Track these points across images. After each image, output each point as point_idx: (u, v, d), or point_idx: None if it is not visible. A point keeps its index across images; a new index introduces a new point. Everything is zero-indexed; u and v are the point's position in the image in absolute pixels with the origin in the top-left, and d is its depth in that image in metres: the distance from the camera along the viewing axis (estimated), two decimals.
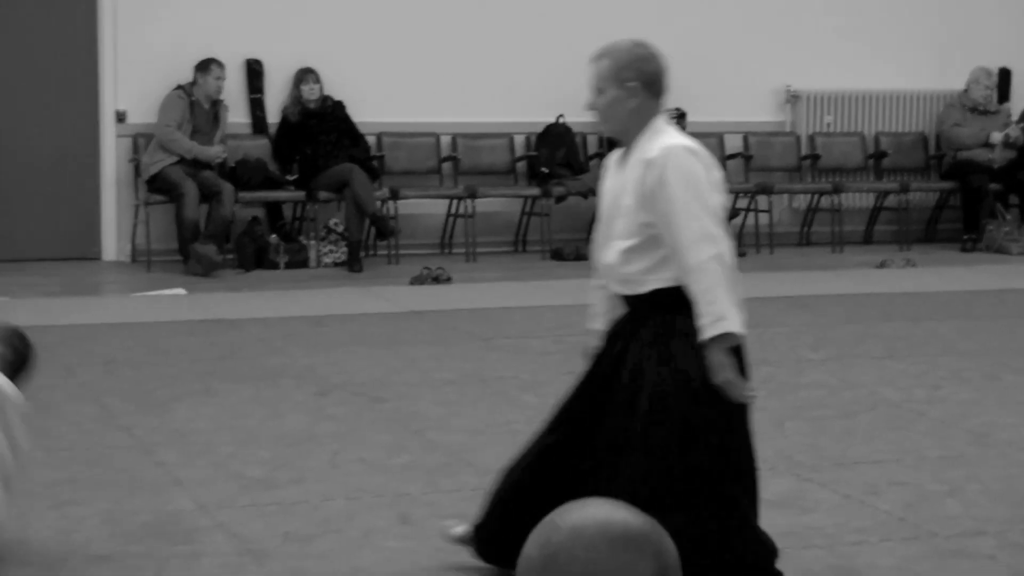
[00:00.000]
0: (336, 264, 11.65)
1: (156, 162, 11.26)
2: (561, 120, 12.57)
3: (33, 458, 6.08)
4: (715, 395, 4.30)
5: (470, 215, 12.02)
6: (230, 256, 11.37)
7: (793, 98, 13.37)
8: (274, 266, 11.43)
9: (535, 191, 12.33)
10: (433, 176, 12.47)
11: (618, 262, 4.44)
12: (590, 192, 12.40)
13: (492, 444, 6.43)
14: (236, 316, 9.33)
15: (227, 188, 11.17)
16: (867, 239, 13.49)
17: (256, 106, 12.05)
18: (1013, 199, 13.52)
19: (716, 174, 4.40)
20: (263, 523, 5.33)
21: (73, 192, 11.72)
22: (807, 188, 13.25)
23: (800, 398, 7.28)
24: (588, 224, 12.74)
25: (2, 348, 5.03)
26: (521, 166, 12.69)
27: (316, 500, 5.61)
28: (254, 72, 12.02)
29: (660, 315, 4.38)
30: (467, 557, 5.02)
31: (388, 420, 6.83)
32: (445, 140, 12.50)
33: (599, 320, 4.64)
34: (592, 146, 12.82)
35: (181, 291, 10.27)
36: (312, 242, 11.67)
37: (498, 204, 12.49)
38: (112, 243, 11.79)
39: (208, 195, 11.14)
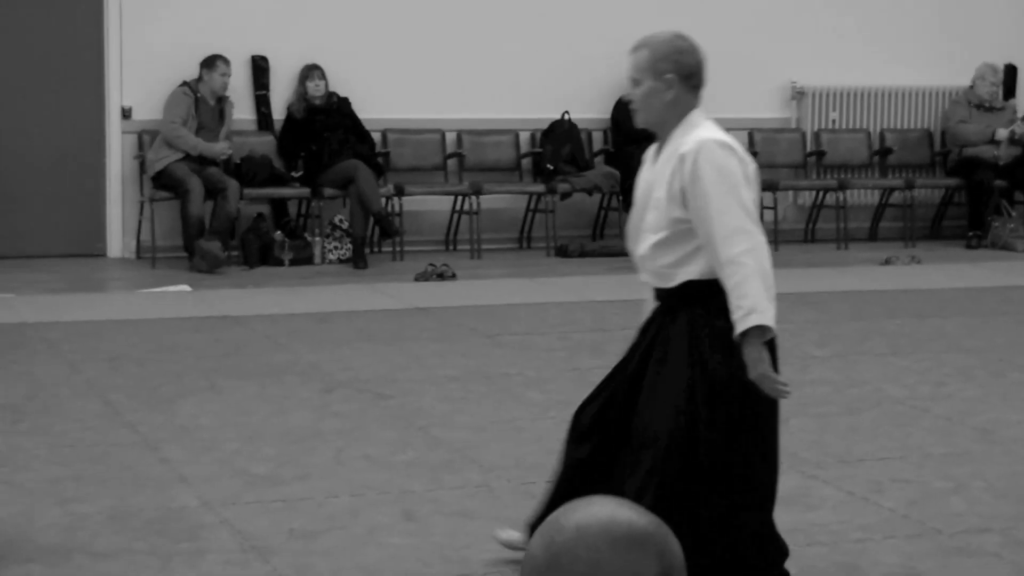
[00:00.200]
0: (341, 261, 11.65)
1: (161, 158, 11.26)
2: (566, 117, 12.56)
3: (37, 455, 6.09)
4: (742, 392, 4.27)
5: (475, 212, 12.02)
6: (235, 253, 11.37)
7: (798, 94, 13.36)
8: (279, 263, 11.43)
9: (540, 188, 12.32)
10: (438, 173, 12.46)
11: (649, 255, 4.43)
12: (595, 189, 12.40)
13: (496, 441, 6.44)
14: (241, 313, 9.33)
15: (232, 185, 11.17)
16: (872, 236, 13.48)
17: (261, 103, 12.06)
18: (1019, 196, 13.49)
19: (751, 168, 4.36)
20: (268, 520, 5.34)
21: (78, 189, 11.72)
22: (812, 185, 13.24)
23: (805, 395, 7.27)
24: (593, 221, 12.76)
25: None
26: (526, 163, 12.68)
27: (321, 497, 5.62)
28: (260, 69, 12.02)
29: (690, 309, 4.36)
30: (470, 553, 5.03)
31: (393, 417, 6.84)
32: (450, 137, 12.50)
33: (645, 313, 4.63)
34: (597, 143, 12.81)
35: (186, 288, 10.27)
36: (317, 239, 11.67)
37: (503, 201, 12.49)
38: (117, 240, 11.79)
39: (213, 192, 11.14)
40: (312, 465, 6.04)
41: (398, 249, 11.78)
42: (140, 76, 11.64)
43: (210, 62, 11.45)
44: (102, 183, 11.75)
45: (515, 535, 4.92)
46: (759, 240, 4.26)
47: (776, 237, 12.74)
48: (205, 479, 5.82)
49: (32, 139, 11.60)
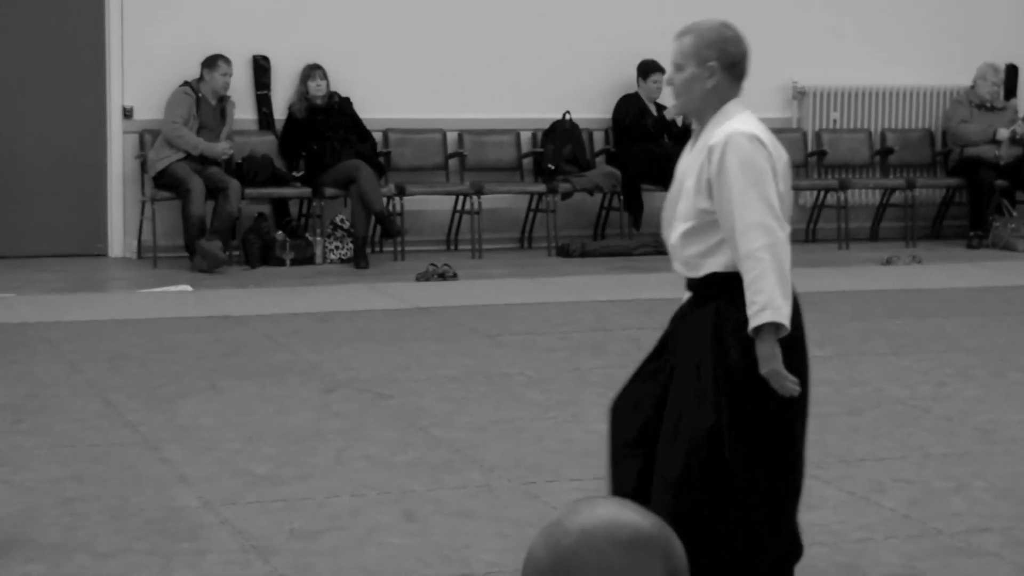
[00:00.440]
0: (342, 260, 11.65)
1: (163, 158, 11.26)
2: (567, 116, 12.56)
3: (38, 454, 6.10)
4: (761, 386, 4.27)
5: (476, 211, 12.02)
6: (236, 252, 11.38)
7: (799, 94, 13.36)
8: (280, 262, 11.43)
9: (541, 187, 12.32)
10: (439, 172, 12.46)
11: (679, 244, 4.43)
12: (596, 189, 12.40)
13: (497, 441, 6.44)
14: (242, 313, 9.33)
15: (233, 184, 11.17)
16: (873, 236, 13.48)
17: (263, 102, 12.06)
18: (1020, 195, 13.49)
19: (781, 162, 4.34)
20: (268, 519, 5.34)
21: (80, 188, 11.72)
22: (813, 184, 13.24)
23: None
24: (594, 221, 12.75)
25: None
26: (527, 162, 12.68)
27: (321, 497, 5.62)
28: (261, 68, 12.03)
29: (716, 300, 4.35)
30: (471, 553, 5.03)
31: (393, 417, 6.84)
32: (451, 136, 12.50)
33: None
34: (598, 142, 12.81)
35: (187, 287, 10.28)
36: (318, 238, 11.67)
37: (504, 200, 12.49)
38: (118, 239, 11.80)
39: (214, 191, 11.14)
40: (313, 465, 6.04)
41: (399, 249, 11.78)
42: (141, 76, 11.64)
43: (211, 62, 11.45)
44: (103, 183, 11.75)
45: None
46: (779, 237, 4.24)
47: None
48: (206, 479, 5.82)
49: (33, 139, 11.60)
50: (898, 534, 5.28)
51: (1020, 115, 13.59)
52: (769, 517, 4.41)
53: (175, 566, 4.89)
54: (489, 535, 5.19)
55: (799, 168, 13.33)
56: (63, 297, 9.91)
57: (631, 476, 4.51)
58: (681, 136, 12.56)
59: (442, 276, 10.82)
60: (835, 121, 13.49)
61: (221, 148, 11.37)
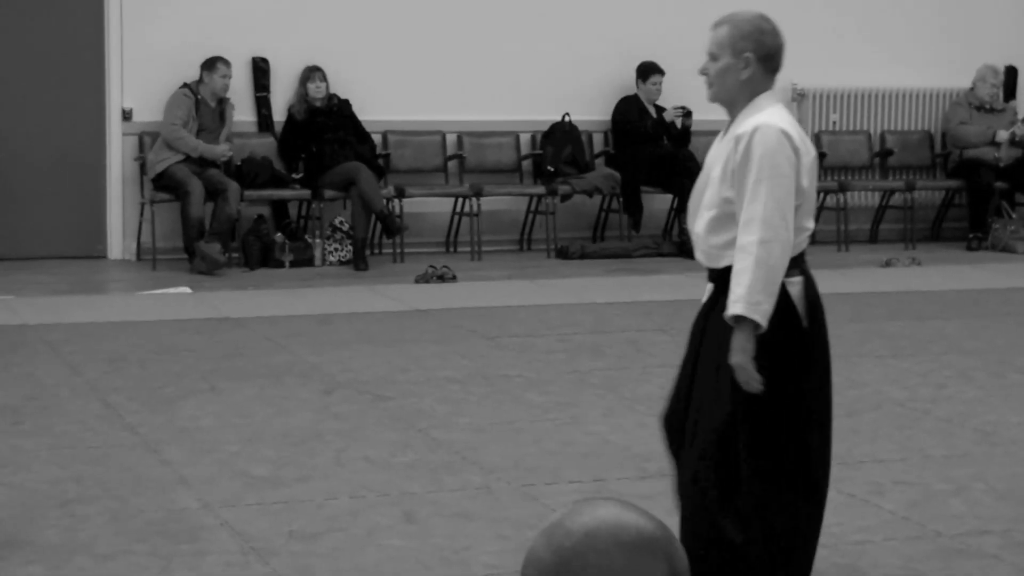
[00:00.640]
0: (341, 262, 11.66)
1: (162, 160, 11.27)
2: (567, 118, 12.57)
3: (38, 456, 6.10)
4: (774, 389, 4.28)
5: (475, 213, 12.02)
6: (235, 254, 11.38)
7: (799, 96, 13.36)
8: (279, 264, 11.43)
9: (540, 189, 12.32)
10: (439, 174, 12.47)
11: (702, 233, 4.43)
12: (595, 190, 12.40)
13: (496, 442, 6.44)
14: (241, 314, 9.33)
15: (233, 186, 11.17)
16: (873, 238, 13.48)
17: (262, 104, 12.06)
18: (1019, 197, 13.49)
19: (809, 158, 4.34)
20: (268, 521, 5.34)
21: (79, 190, 11.72)
22: None
23: None
24: (593, 223, 12.76)
25: None
26: (527, 164, 12.69)
27: (321, 498, 5.62)
28: (260, 70, 12.03)
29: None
30: (470, 555, 5.03)
31: (393, 418, 6.84)
32: (451, 138, 12.50)
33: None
34: (598, 144, 12.82)
35: (186, 290, 10.28)
36: (317, 240, 11.67)
37: (503, 202, 12.49)
38: (118, 241, 11.80)
39: (214, 193, 11.14)
40: (312, 466, 6.04)
41: (398, 251, 11.78)
42: (141, 78, 11.65)
43: (211, 64, 11.46)
44: (103, 185, 11.75)
45: None
46: (779, 235, 4.23)
47: None
48: (205, 480, 5.82)
49: (33, 140, 11.60)
50: (897, 536, 5.28)
51: (1020, 117, 13.59)
52: (783, 524, 4.39)
53: (175, 567, 4.89)
54: (488, 537, 5.20)
55: None
56: (63, 299, 9.91)
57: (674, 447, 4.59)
58: (680, 138, 12.57)
59: (441, 278, 10.82)
60: (835, 123, 13.50)
61: (220, 150, 11.37)
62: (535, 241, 12.56)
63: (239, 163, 11.61)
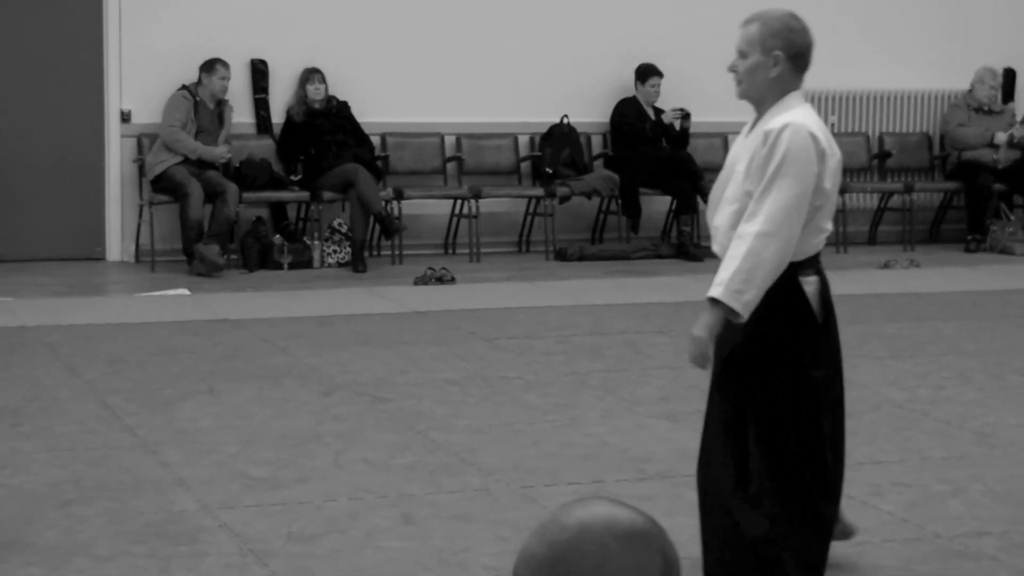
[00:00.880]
0: (340, 264, 11.66)
1: (160, 162, 11.27)
2: (565, 120, 12.57)
3: (37, 457, 6.10)
4: (789, 372, 4.32)
5: (474, 215, 12.02)
6: (234, 256, 11.38)
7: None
8: (278, 266, 11.43)
9: (539, 191, 12.32)
10: (437, 176, 12.47)
11: (723, 226, 4.46)
12: (594, 192, 12.41)
13: (495, 444, 6.44)
14: (240, 316, 9.33)
15: (231, 188, 11.17)
16: (871, 239, 13.49)
17: (261, 106, 12.06)
18: (1018, 199, 13.51)
19: (833, 161, 4.37)
20: (267, 523, 5.34)
21: (78, 192, 11.73)
22: None
23: None
24: (592, 225, 12.76)
25: None
26: (525, 166, 12.69)
27: (320, 500, 5.62)
28: (259, 72, 12.03)
29: None
30: (469, 557, 5.03)
31: (392, 420, 6.84)
32: (449, 140, 12.51)
33: None
34: (596, 146, 12.82)
35: (185, 291, 10.27)
36: (316, 242, 11.67)
37: (502, 204, 12.49)
38: (116, 243, 11.80)
39: (212, 195, 11.14)
40: (311, 468, 6.04)
41: (397, 253, 11.78)
42: (139, 79, 11.65)
43: (209, 66, 11.46)
44: (101, 186, 11.75)
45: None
46: (780, 232, 4.25)
47: None
48: (204, 482, 5.82)
49: (31, 142, 11.60)
50: (896, 537, 5.28)
51: (1018, 119, 13.59)
52: (796, 517, 4.41)
53: (173, 569, 4.89)
54: (487, 538, 5.20)
55: None
56: (61, 300, 9.91)
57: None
58: (679, 140, 12.57)
59: (440, 280, 10.83)
60: (833, 124, 13.49)
61: (219, 152, 11.37)
62: (534, 243, 12.56)
63: (238, 165, 11.61)
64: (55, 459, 6.11)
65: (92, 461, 6.09)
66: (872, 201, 13.52)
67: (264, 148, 11.92)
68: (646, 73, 12.59)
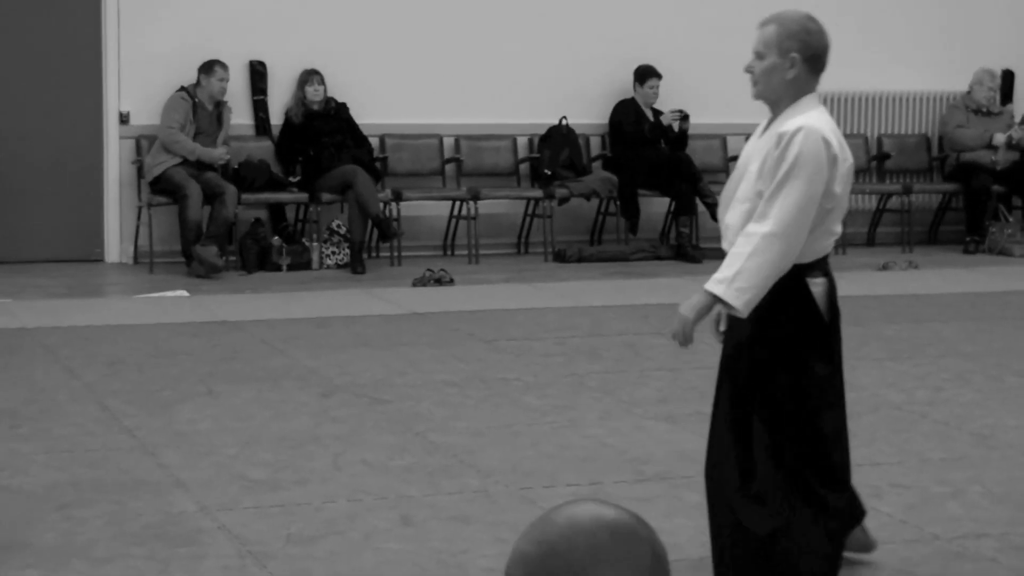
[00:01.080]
0: (339, 266, 11.66)
1: (159, 164, 11.26)
2: (564, 122, 12.57)
3: (35, 459, 6.09)
4: (793, 371, 4.34)
5: (473, 217, 12.02)
6: (233, 258, 11.38)
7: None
8: (277, 268, 11.43)
9: (538, 193, 12.32)
10: (436, 178, 12.47)
11: (734, 225, 4.48)
12: (593, 194, 12.41)
13: (494, 446, 6.44)
14: (239, 318, 9.33)
15: (230, 189, 11.17)
16: (870, 241, 13.49)
17: (259, 108, 12.06)
18: (1016, 201, 13.51)
19: (846, 165, 4.40)
20: (265, 525, 5.34)
21: (76, 194, 11.72)
22: None
23: None
24: (591, 226, 12.76)
25: None
26: (524, 168, 12.69)
27: (318, 502, 5.62)
28: (257, 73, 12.03)
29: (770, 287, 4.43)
30: (468, 558, 5.03)
31: (390, 421, 6.84)
32: (448, 142, 12.51)
33: None
34: (595, 148, 12.82)
35: (184, 293, 10.27)
36: (315, 244, 11.67)
37: (501, 206, 12.49)
38: (115, 245, 11.80)
39: (211, 196, 11.14)
40: (310, 470, 6.04)
41: (396, 254, 11.78)
42: (138, 81, 11.65)
43: (208, 67, 11.45)
44: (100, 188, 11.75)
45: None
46: (787, 234, 4.28)
47: None
48: (203, 484, 5.82)
49: (30, 144, 11.60)
50: (895, 539, 5.28)
51: (1016, 120, 13.60)
52: (802, 513, 4.43)
53: (172, 571, 4.89)
54: (486, 540, 5.20)
55: None
56: (60, 302, 9.91)
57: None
58: (678, 141, 12.57)
59: (439, 281, 10.82)
60: None
61: (218, 153, 11.37)
62: (532, 244, 12.56)
63: (236, 166, 11.61)
64: (54, 461, 6.11)
65: (91, 463, 6.09)
66: (871, 202, 13.52)
67: (263, 149, 11.92)
68: (645, 74, 12.59)
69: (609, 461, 6.23)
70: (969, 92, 13.50)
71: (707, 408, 6.96)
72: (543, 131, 12.56)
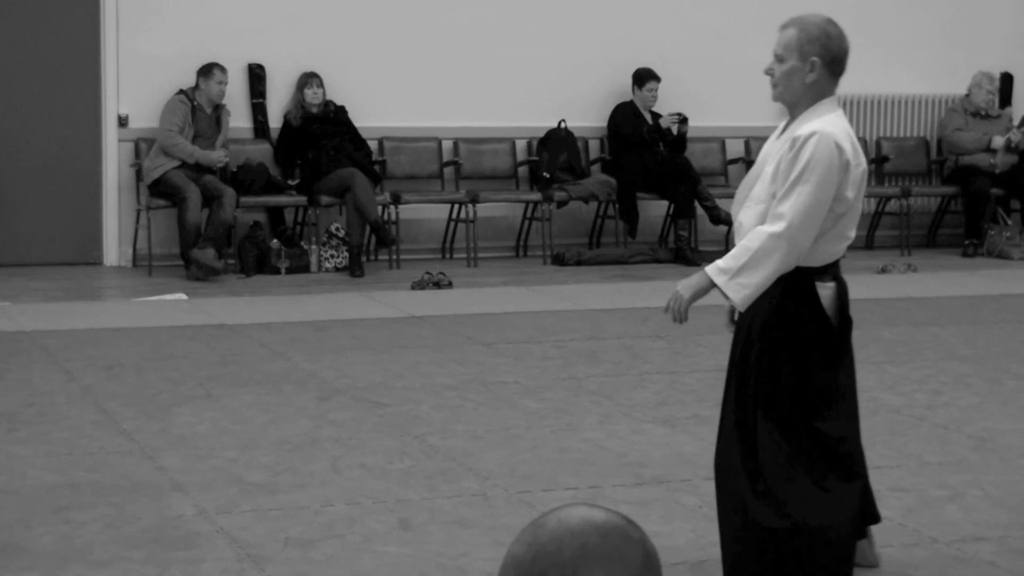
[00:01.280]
0: (337, 269, 11.65)
1: (158, 166, 11.27)
2: (563, 125, 12.57)
3: (34, 463, 6.09)
4: (799, 373, 4.37)
5: (471, 220, 12.02)
6: (231, 261, 11.38)
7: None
8: (275, 271, 11.43)
9: (536, 196, 12.33)
10: (435, 181, 12.47)
11: (747, 224, 4.49)
12: (591, 197, 12.41)
13: (493, 449, 6.44)
14: (237, 321, 9.33)
15: (228, 193, 11.17)
16: (869, 244, 13.49)
17: (258, 111, 12.06)
18: (1015, 204, 13.52)
19: (859, 170, 4.44)
20: (264, 528, 5.34)
21: (75, 197, 11.72)
22: None
23: None
24: (589, 229, 12.76)
25: None
26: (523, 171, 12.69)
27: (317, 505, 5.61)
28: (256, 76, 12.03)
29: (779, 286, 4.46)
30: (467, 562, 5.02)
31: (389, 425, 6.84)
32: (447, 145, 12.51)
33: None
34: (594, 151, 12.82)
35: (182, 296, 10.27)
36: (313, 247, 11.67)
37: (499, 209, 12.49)
38: (114, 248, 11.79)
39: (210, 199, 11.14)
40: (309, 473, 6.03)
41: (394, 257, 11.78)
42: (137, 84, 11.65)
43: (207, 70, 11.46)
44: (98, 191, 11.75)
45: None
46: (793, 236, 4.35)
47: None
48: (202, 487, 5.81)
49: (29, 147, 11.60)
50: (894, 543, 5.28)
51: (1015, 123, 13.60)
52: (807, 511, 4.44)
53: (170, 575, 4.88)
54: (485, 544, 5.19)
55: None
56: (59, 305, 9.91)
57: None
58: (676, 145, 12.57)
59: (437, 284, 10.82)
60: None
61: (216, 156, 11.37)
62: (531, 248, 12.56)
63: (235, 169, 11.61)
64: (52, 464, 6.10)
65: (89, 466, 6.09)
66: (869, 206, 13.51)
67: (261, 152, 11.92)
68: (643, 77, 12.59)
69: (608, 464, 6.23)
70: (968, 95, 13.50)
71: (705, 411, 7.00)
72: (542, 134, 12.56)
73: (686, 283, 4.44)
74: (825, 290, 4.49)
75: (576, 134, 12.62)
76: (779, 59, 4.51)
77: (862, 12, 13.46)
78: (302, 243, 11.76)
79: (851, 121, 13.51)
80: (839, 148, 4.36)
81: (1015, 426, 6.97)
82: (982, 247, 13.12)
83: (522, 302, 10.23)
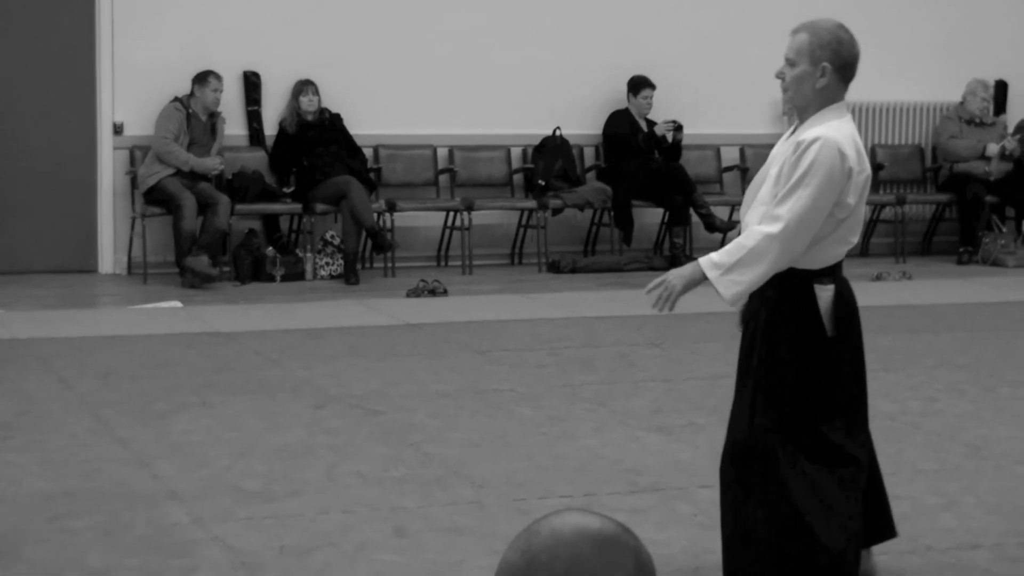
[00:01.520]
0: (332, 277, 11.66)
1: (153, 174, 11.26)
2: (558, 132, 12.58)
3: (29, 470, 6.09)
4: (797, 374, 4.40)
5: (467, 227, 12.03)
6: (226, 269, 11.38)
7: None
8: (270, 279, 11.42)
9: (532, 203, 12.33)
10: (430, 188, 12.48)
11: (755, 224, 4.51)
12: (586, 204, 12.42)
13: (488, 456, 6.44)
14: (232, 329, 9.33)
15: (223, 200, 11.17)
16: (863, 251, 13.49)
17: (253, 118, 12.06)
18: (1009, 211, 13.53)
19: (862, 177, 4.47)
20: (259, 536, 5.33)
21: (70, 204, 11.72)
22: None
23: None
24: (584, 237, 12.77)
25: None
26: (518, 178, 12.70)
27: (312, 513, 5.61)
28: (251, 84, 12.03)
29: (778, 287, 4.48)
30: (461, 570, 5.02)
31: (384, 432, 6.83)
32: (442, 152, 12.51)
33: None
34: (589, 158, 12.83)
35: (177, 304, 10.27)
36: (309, 254, 11.67)
37: (495, 216, 12.50)
38: (109, 255, 11.79)
39: (205, 207, 11.14)
40: (303, 481, 6.03)
41: (390, 265, 11.79)
42: (132, 92, 11.65)
43: (202, 78, 11.46)
44: (94, 199, 11.75)
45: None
46: (787, 238, 4.39)
47: None
48: (196, 495, 5.81)
49: (24, 154, 11.60)
50: (889, 550, 5.28)
51: (1009, 131, 13.62)
52: (808, 513, 4.45)
53: None
54: (480, 551, 5.19)
55: None
56: (54, 313, 9.90)
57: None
58: (671, 152, 12.58)
59: (432, 292, 10.83)
60: None
61: (211, 164, 11.37)
62: (526, 255, 12.57)
63: (230, 177, 11.61)
64: (47, 472, 6.10)
65: (84, 474, 6.08)
66: (864, 213, 13.51)
67: (256, 160, 11.92)
68: (638, 85, 12.60)
69: (603, 472, 6.23)
70: (962, 103, 13.52)
71: (701, 419, 7.01)
72: (537, 142, 12.57)
73: (678, 273, 4.49)
74: (824, 292, 4.51)
75: (571, 141, 12.63)
76: (790, 63, 4.53)
77: (858, 21, 13.43)
78: (297, 251, 11.76)
79: None
80: (842, 154, 4.38)
81: (1010, 433, 6.97)
82: (977, 254, 13.13)
83: (517, 310, 10.23)
